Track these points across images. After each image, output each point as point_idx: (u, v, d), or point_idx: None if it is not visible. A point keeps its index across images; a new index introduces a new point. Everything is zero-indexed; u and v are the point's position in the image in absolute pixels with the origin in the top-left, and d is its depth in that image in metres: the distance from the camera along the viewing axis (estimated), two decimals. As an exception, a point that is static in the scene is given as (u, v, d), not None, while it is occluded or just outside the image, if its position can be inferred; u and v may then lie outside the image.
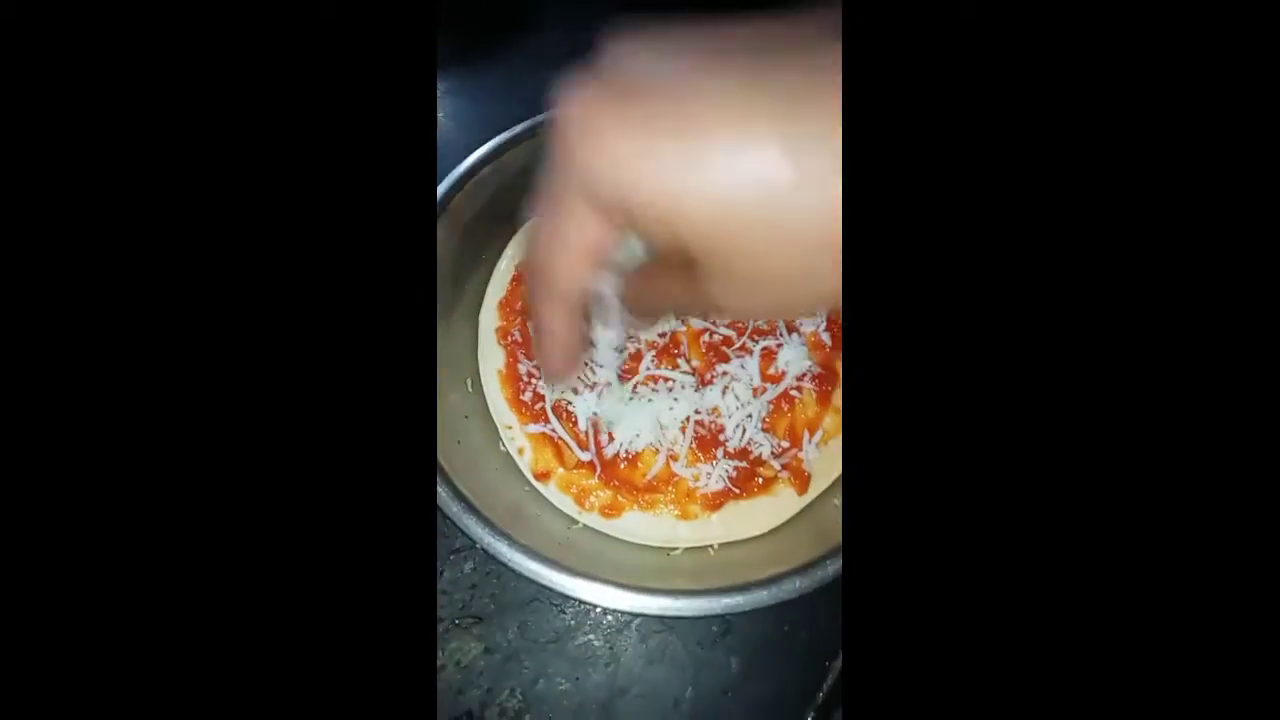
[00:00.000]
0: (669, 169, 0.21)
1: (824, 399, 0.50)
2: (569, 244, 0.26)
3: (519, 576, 0.43)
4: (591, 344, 0.32)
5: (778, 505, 0.48)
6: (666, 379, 0.49)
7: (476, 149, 0.56)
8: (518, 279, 0.54)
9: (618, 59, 0.23)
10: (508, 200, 0.57)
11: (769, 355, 0.50)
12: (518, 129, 0.57)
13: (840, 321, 0.53)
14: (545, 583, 0.42)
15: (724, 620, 0.47)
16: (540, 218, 0.26)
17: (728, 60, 0.21)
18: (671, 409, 0.48)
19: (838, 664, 0.46)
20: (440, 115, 0.67)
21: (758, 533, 0.47)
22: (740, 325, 0.52)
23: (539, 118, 0.57)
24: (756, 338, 0.51)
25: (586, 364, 0.47)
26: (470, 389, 0.52)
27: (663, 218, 0.22)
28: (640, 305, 0.29)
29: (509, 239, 0.56)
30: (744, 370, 0.50)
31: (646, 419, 0.48)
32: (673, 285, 0.26)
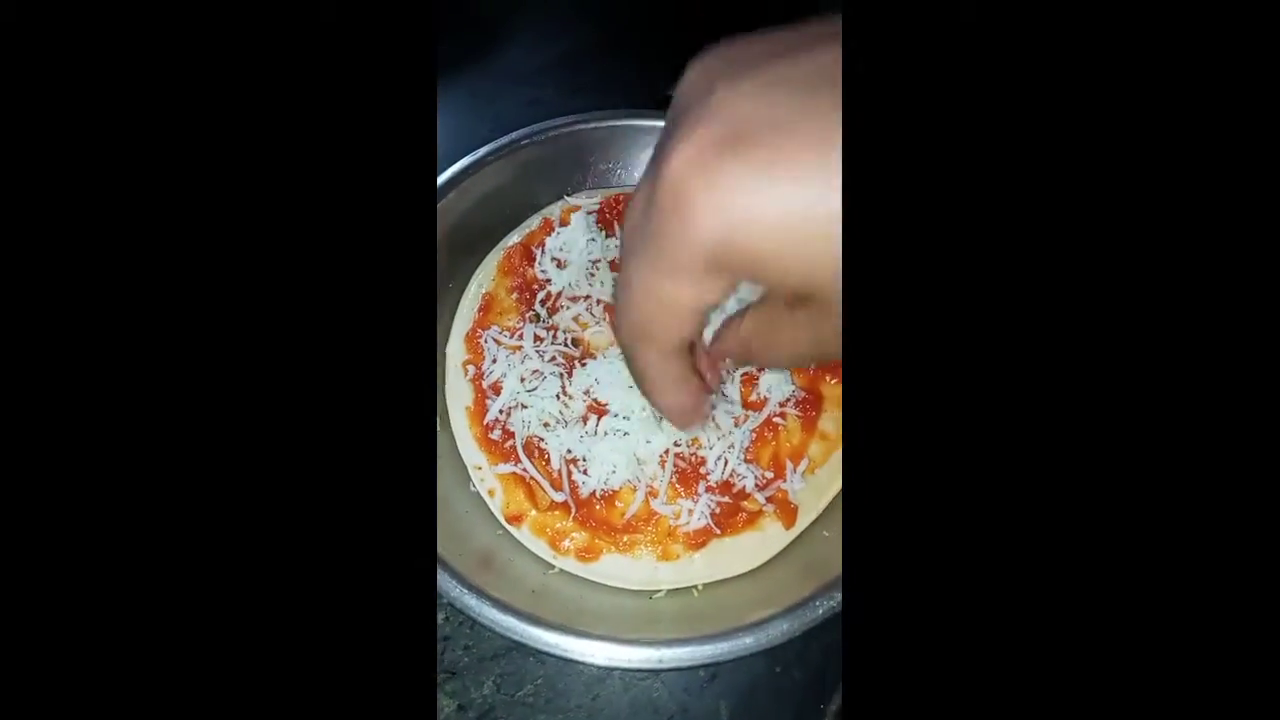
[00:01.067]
0: (800, 214, 0.20)
1: (809, 425, 0.47)
2: (676, 303, 0.24)
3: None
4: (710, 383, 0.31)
5: (764, 540, 0.44)
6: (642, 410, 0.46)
7: (442, 171, 0.53)
8: (484, 309, 0.51)
9: (723, 105, 0.21)
10: (474, 226, 0.54)
11: (749, 381, 0.48)
12: (481, 152, 0.54)
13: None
14: (519, 638, 0.39)
15: (712, 665, 0.44)
16: (634, 272, 0.24)
17: (835, 92, 0.20)
18: (649, 442, 0.45)
19: (834, 707, 0.43)
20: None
21: (744, 570, 0.44)
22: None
23: (502, 140, 0.55)
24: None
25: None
26: (438, 427, 0.48)
27: (795, 266, 0.21)
28: (758, 353, 0.28)
29: (475, 267, 0.53)
30: (724, 398, 0.47)
31: (622, 454, 0.44)
32: (795, 330, 0.25)
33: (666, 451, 0.45)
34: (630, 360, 0.28)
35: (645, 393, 0.29)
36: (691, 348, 0.28)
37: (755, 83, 0.21)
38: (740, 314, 0.28)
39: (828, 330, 0.23)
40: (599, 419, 0.45)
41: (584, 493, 0.44)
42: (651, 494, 0.44)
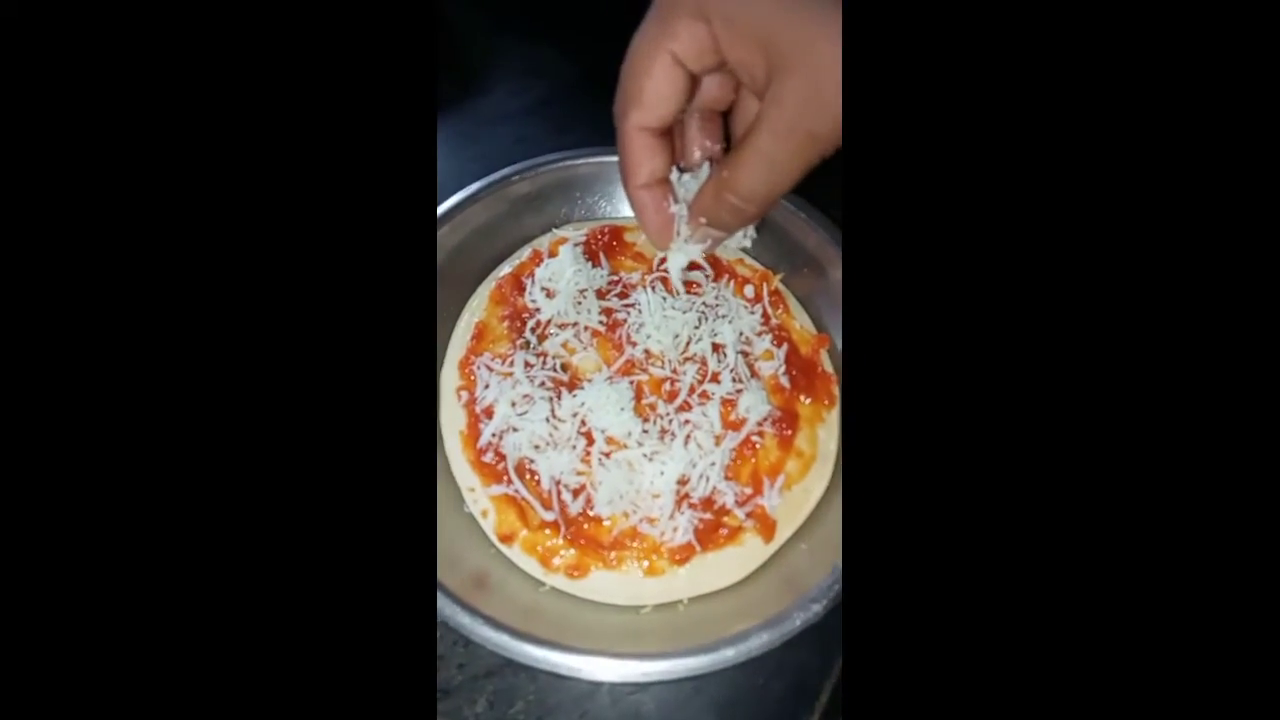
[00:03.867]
0: None
1: (785, 443, 0.47)
2: (656, 45, 0.30)
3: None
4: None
5: (745, 555, 0.44)
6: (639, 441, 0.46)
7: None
8: (476, 337, 0.52)
9: None
10: (465, 260, 0.55)
11: (729, 402, 0.48)
12: (473, 188, 0.55)
13: (799, 364, 0.51)
14: (511, 656, 0.39)
15: (696, 678, 0.44)
16: (634, 39, 0.32)
17: None
18: (663, 473, 0.44)
19: (814, 719, 0.43)
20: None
21: (726, 584, 0.44)
22: (702, 371, 0.49)
23: (493, 177, 0.55)
24: (717, 382, 0.49)
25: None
26: (433, 450, 0.49)
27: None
28: (737, 179, 0.34)
29: (467, 298, 0.54)
30: (705, 418, 0.47)
31: (630, 487, 0.44)
32: (772, 120, 0.30)
33: (682, 495, 0.44)
34: (618, 139, 0.36)
35: (631, 204, 0.38)
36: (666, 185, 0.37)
37: None
38: (713, 174, 0.35)
39: (805, 93, 0.28)
40: (591, 444, 0.45)
41: (573, 511, 0.45)
42: (650, 521, 0.44)
